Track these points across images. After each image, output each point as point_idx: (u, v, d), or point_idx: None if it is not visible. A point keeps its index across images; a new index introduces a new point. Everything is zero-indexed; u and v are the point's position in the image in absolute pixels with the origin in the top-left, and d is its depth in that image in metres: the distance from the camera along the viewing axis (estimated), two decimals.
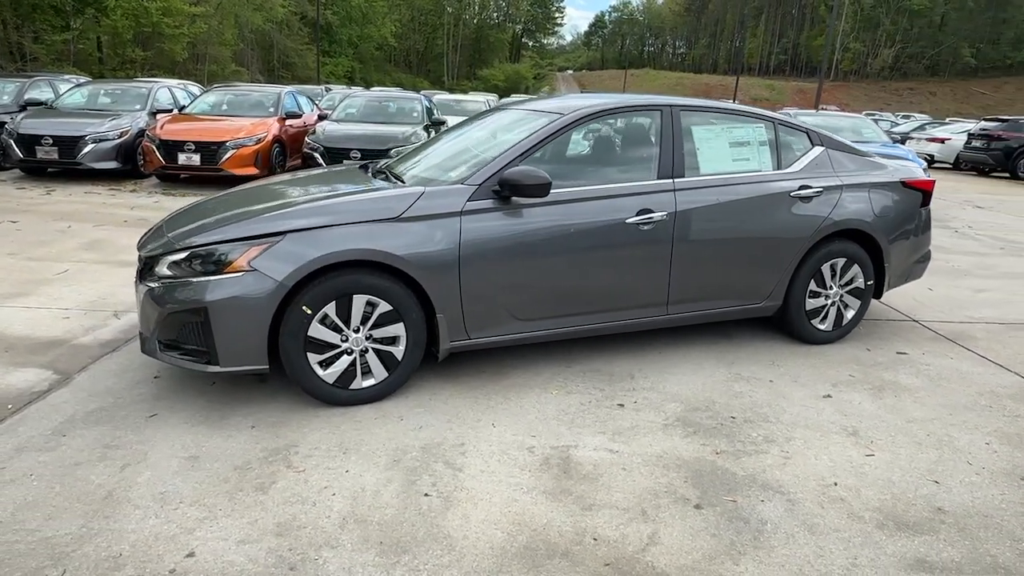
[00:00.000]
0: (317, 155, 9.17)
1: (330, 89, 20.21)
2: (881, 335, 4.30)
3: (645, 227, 3.42)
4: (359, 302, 2.98)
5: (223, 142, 9.13)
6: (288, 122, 10.40)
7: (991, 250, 7.26)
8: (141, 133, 9.77)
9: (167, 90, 11.36)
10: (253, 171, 9.29)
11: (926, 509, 2.44)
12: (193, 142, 9.06)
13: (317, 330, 2.95)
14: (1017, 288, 5.65)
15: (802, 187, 3.78)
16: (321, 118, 10.69)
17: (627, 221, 3.38)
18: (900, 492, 2.54)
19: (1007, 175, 16.85)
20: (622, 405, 3.20)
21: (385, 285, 3.00)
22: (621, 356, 3.77)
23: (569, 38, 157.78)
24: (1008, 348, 4.15)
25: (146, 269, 3.06)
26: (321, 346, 2.98)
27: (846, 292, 4.04)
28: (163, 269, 2.98)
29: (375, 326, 3.04)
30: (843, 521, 2.35)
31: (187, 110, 10.47)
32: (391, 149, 9.06)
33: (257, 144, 9.33)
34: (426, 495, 2.44)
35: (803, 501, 2.46)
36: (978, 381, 3.61)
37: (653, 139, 3.57)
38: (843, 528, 2.31)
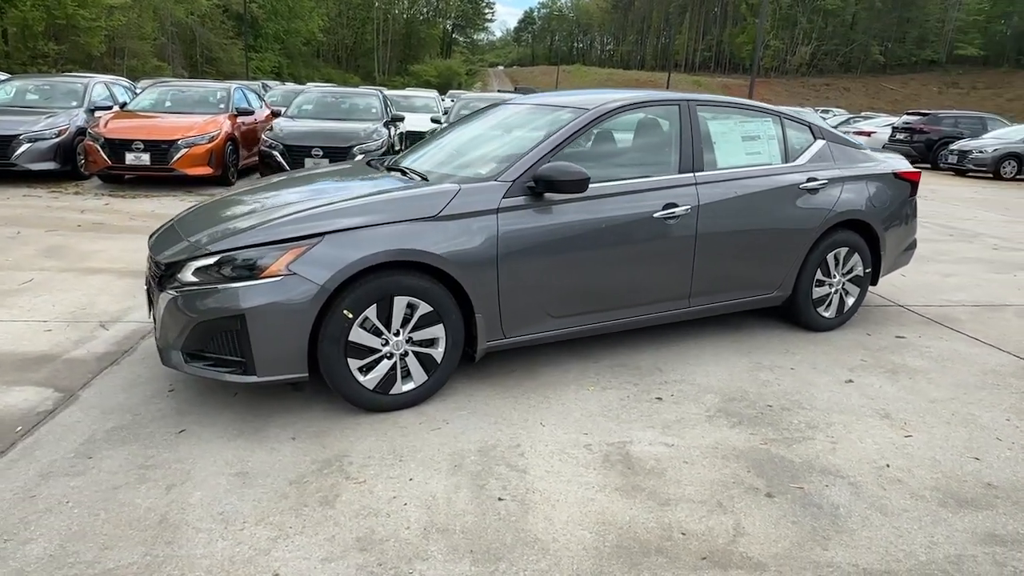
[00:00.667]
0: (276, 153, 8.84)
1: (268, 86, 19.49)
2: (875, 320, 4.48)
3: (670, 221, 3.44)
4: (400, 304, 2.89)
5: (174, 140, 8.69)
6: (240, 119, 10.00)
7: (942, 237, 7.69)
8: (80, 132, 9.20)
9: (103, 86, 10.72)
10: (207, 171, 8.90)
11: (977, 485, 2.56)
12: (142, 141, 8.59)
13: (358, 334, 2.83)
14: (978, 271, 6.01)
15: (809, 179, 3.90)
16: (274, 115, 10.31)
17: (654, 215, 3.40)
18: (948, 470, 2.66)
19: (928, 166, 17.89)
20: (660, 399, 3.22)
21: (425, 286, 2.92)
22: (642, 350, 3.79)
23: (499, 34, 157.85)
24: (992, 329, 4.40)
25: (167, 276, 2.87)
26: (362, 351, 2.87)
27: (847, 280, 4.19)
28: (188, 275, 2.80)
29: (415, 328, 2.95)
30: (908, 501, 2.44)
31: (130, 107, 9.91)
32: (354, 147, 8.88)
33: (210, 142, 8.93)
34: (500, 499, 2.39)
35: (865, 484, 2.54)
36: (978, 361, 3.81)
37: (673, 134, 3.60)
38: (910, 508, 2.40)
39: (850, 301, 4.25)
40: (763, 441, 2.84)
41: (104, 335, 3.82)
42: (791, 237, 3.84)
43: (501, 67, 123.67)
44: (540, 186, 3.10)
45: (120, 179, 9.36)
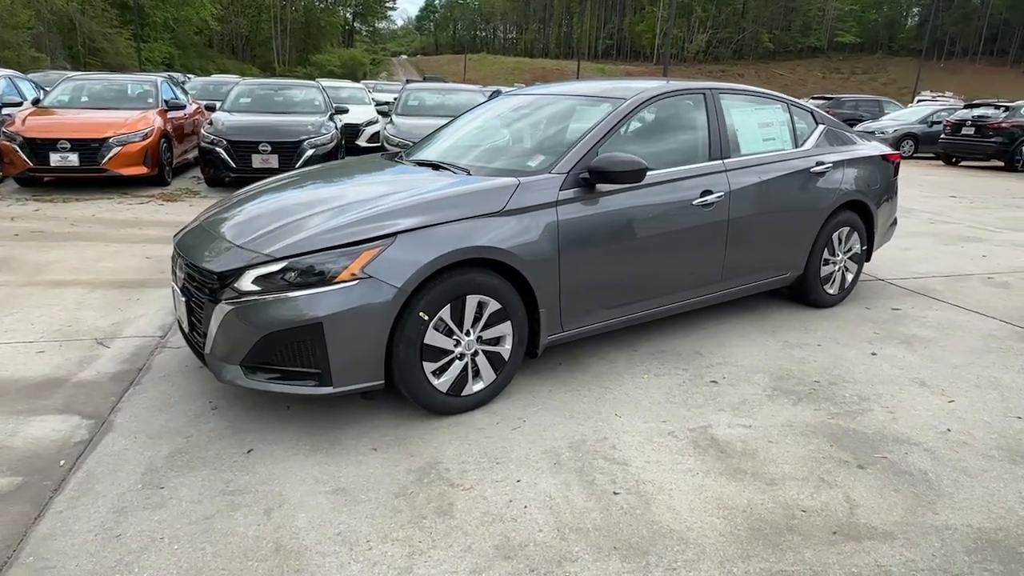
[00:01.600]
0: (220, 150, 8.33)
1: (177, 79, 18.32)
2: (866, 295, 4.75)
3: (707, 208, 3.51)
4: (472, 303, 2.81)
5: (105, 138, 8.04)
6: (171, 114, 9.37)
7: None
8: None
9: (7, 80, 9.79)
10: (142, 171, 8.31)
11: None
12: (68, 139, 7.89)
13: (433, 336, 2.74)
14: (929, 244, 6.48)
15: (818, 163, 4.07)
16: (209, 109, 9.72)
17: (693, 203, 3.46)
18: (1001, 430, 2.87)
19: None
20: (715, 382, 3.29)
21: (495, 283, 2.85)
22: (675, 336, 3.86)
23: (400, 22, 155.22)
24: (968, 296, 4.77)
25: (220, 286, 2.65)
26: (436, 353, 2.77)
27: (847, 258, 4.42)
28: (247, 284, 2.60)
29: (485, 327, 2.88)
30: (982, 462, 2.61)
31: (45, 103, 9.07)
32: (304, 141, 8.55)
33: (145, 140, 8.33)
34: (615, 493, 2.38)
35: (938, 449, 2.70)
36: (973, 327, 4.12)
37: (702, 121, 3.66)
38: (988, 468, 2.57)
39: (849, 277, 4.49)
40: (829, 416, 2.97)
41: (107, 353, 3.51)
42: (806, 219, 4.01)
43: (404, 56, 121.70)
44: (594, 177, 3.09)
45: (39, 182, 8.57)
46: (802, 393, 3.18)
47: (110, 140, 8.05)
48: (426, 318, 2.69)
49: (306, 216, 2.81)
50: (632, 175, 3.05)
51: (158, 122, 8.76)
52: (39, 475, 2.44)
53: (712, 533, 2.18)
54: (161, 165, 8.68)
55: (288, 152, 8.44)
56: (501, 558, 2.05)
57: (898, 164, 4.71)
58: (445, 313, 2.75)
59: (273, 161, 8.40)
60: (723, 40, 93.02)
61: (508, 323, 2.94)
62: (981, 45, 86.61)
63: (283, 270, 2.58)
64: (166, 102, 9.47)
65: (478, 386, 2.94)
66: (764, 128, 3.97)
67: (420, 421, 2.86)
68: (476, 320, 2.86)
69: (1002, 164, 14.84)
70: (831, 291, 4.38)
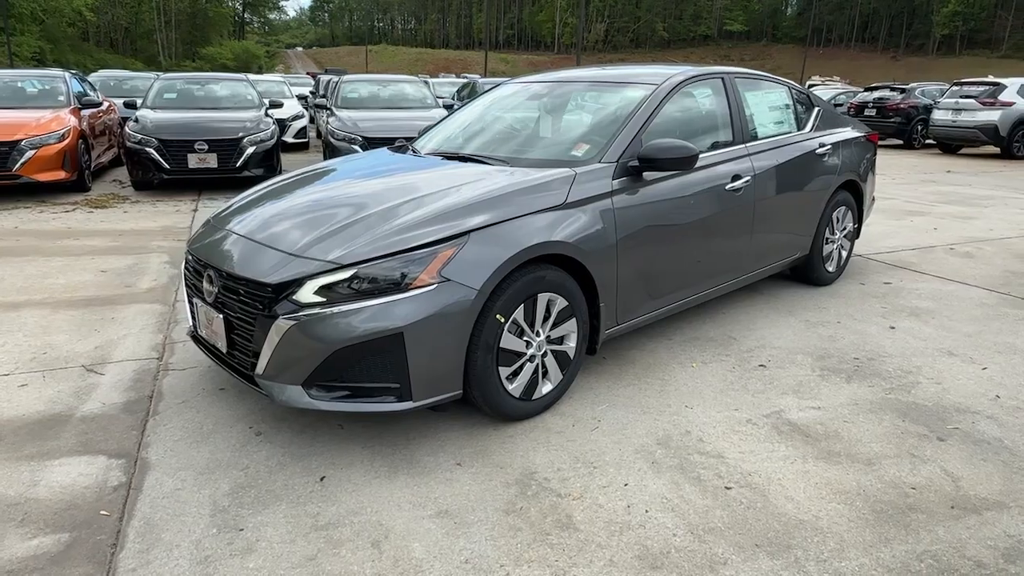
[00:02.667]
0: (151, 150, 7.69)
1: (76, 74, 16.78)
2: (855, 271, 4.93)
3: (736, 193, 3.51)
4: (542, 301, 2.67)
5: (15, 142, 7.23)
6: (84, 112, 8.54)
7: None
8: None
9: None
10: (61, 176, 7.55)
11: None
12: None
13: (507, 339, 2.58)
14: (882, 220, 6.84)
15: (820, 145, 4.17)
16: (130, 106, 8.94)
17: (726, 188, 3.45)
18: None
19: None
20: (763, 365, 3.30)
21: (562, 279, 2.72)
22: (701, 323, 3.85)
23: (292, 13, 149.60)
24: (943, 267, 5.05)
25: (276, 299, 2.39)
26: (510, 356, 2.62)
27: (843, 236, 4.57)
28: (307, 295, 2.36)
29: (553, 326, 2.75)
30: None
31: None
32: (244, 138, 8.02)
33: (62, 141, 7.55)
34: (727, 488, 2.32)
35: (998, 416, 2.81)
36: (965, 296, 4.35)
37: (724, 106, 3.65)
38: None
39: (844, 255, 4.64)
40: (885, 392, 3.03)
41: (103, 381, 3.13)
42: (814, 200, 4.10)
43: (300, 48, 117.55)
44: (643, 165, 3.01)
45: None
46: (849, 371, 3.24)
47: (22, 143, 7.24)
48: (502, 320, 2.53)
49: (359, 217, 2.57)
50: (683, 162, 2.98)
51: (73, 122, 7.96)
52: (87, 529, 2.12)
53: (841, 520, 2.16)
54: (81, 169, 7.91)
55: (227, 150, 7.90)
56: (649, 568, 1.95)
57: (876, 144, 4.91)
58: (519, 314, 2.60)
59: (211, 160, 7.85)
60: (620, 29, 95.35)
61: (573, 320, 2.82)
62: (854, 33, 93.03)
63: (351, 278, 2.35)
64: (78, 99, 8.64)
65: (547, 388, 2.80)
66: (774, 112, 4.02)
67: (492, 429, 2.70)
68: (546, 319, 2.72)
69: (900, 142, 15.95)
70: (831, 269, 4.52)
